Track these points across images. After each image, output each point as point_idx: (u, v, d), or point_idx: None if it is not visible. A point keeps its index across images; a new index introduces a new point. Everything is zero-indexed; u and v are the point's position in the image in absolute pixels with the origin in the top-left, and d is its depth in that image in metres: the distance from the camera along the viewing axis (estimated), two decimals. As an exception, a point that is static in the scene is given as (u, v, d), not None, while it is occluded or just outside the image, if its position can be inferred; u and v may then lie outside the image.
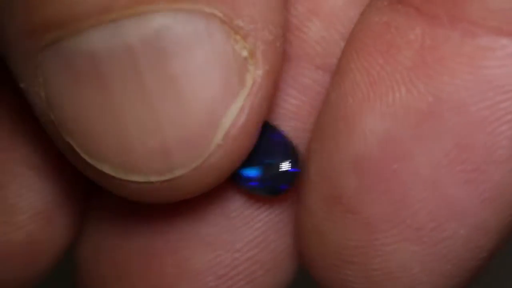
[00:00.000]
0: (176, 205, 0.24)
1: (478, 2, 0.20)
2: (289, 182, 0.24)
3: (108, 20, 0.20)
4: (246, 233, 0.25)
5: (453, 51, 0.20)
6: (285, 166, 0.23)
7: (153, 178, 0.21)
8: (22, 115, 0.26)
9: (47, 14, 0.20)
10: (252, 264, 0.25)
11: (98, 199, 0.27)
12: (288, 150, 0.24)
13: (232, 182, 0.24)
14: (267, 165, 0.23)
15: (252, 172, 0.23)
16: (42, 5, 0.20)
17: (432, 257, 0.21)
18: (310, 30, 0.24)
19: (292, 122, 0.24)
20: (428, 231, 0.21)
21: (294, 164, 0.23)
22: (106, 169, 0.21)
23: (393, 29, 0.21)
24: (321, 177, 0.22)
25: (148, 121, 0.21)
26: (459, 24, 0.20)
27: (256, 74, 0.21)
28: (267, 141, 0.23)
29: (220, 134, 0.21)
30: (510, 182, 0.21)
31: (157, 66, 0.20)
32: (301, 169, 0.23)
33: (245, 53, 0.21)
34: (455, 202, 0.21)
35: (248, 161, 0.23)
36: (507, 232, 0.22)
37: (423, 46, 0.21)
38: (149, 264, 0.24)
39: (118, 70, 0.20)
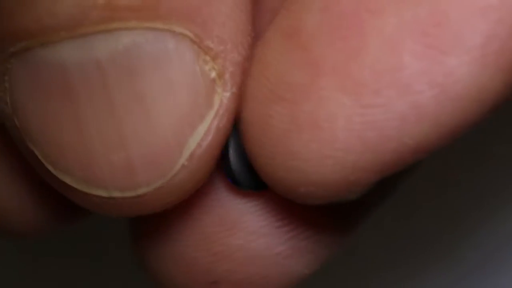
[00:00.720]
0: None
1: None
2: None
3: (79, 34, 0.20)
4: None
5: None
6: None
7: (115, 194, 0.21)
8: None
9: (18, 22, 0.20)
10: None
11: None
12: None
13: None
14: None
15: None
16: (13, 14, 0.20)
17: (359, 119, 0.20)
18: None
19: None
20: (366, 90, 0.20)
21: None
22: (69, 181, 0.21)
23: None
24: (286, 10, 0.21)
25: (113, 136, 0.21)
26: None
27: (223, 96, 0.21)
28: None
29: (185, 155, 0.21)
30: (463, 78, 0.20)
31: (125, 82, 0.20)
32: None
33: (213, 74, 0.21)
34: (403, 72, 0.20)
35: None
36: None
37: None
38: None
39: (86, 83, 0.20)
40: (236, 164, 0.23)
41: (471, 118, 0.20)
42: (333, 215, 0.25)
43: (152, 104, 0.21)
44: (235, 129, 0.23)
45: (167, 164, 0.21)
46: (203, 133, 0.21)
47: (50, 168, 0.21)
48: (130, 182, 0.21)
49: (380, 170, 0.21)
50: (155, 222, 0.25)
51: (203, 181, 0.22)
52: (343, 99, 0.20)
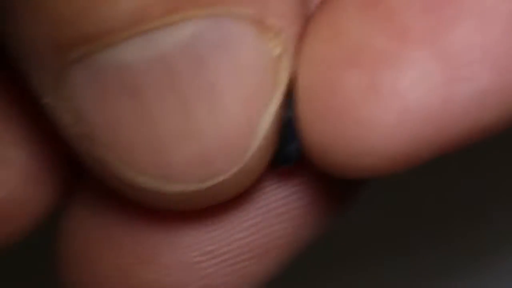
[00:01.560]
0: None
1: None
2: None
3: (140, 32, 0.19)
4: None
5: None
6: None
7: (193, 186, 0.21)
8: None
9: (76, 28, 0.19)
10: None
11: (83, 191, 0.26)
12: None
13: None
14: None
15: None
16: (71, 19, 0.19)
17: (444, 90, 0.20)
18: None
19: None
20: (457, 62, 0.20)
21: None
22: (144, 180, 0.21)
23: None
24: None
25: (186, 129, 0.20)
26: None
27: (290, 70, 0.21)
28: None
29: (259, 136, 0.21)
30: None
31: (193, 74, 0.20)
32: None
33: (278, 51, 0.21)
34: (496, 49, 0.20)
35: None
36: None
37: None
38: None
39: (154, 80, 0.20)
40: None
41: None
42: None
43: (222, 91, 0.20)
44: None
45: (243, 148, 0.21)
46: (273, 113, 0.21)
47: (121, 171, 0.21)
48: (208, 172, 0.21)
49: (448, 146, 0.21)
50: (75, 247, 0.25)
51: (271, 156, 0.22)
52: (431, 68, 0.20)
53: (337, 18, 0.21)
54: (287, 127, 0.22)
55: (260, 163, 0.22)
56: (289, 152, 0.22)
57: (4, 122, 0.25)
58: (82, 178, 0.26)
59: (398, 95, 0.20)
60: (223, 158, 0.21)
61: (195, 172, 0.21)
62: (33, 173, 0.25)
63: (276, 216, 0.25)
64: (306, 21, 0.22)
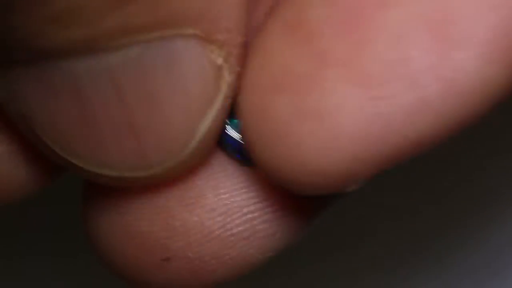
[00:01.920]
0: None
1: None
2: None
3: (90, 52, 0.20)
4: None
5: None
6: None
7: (126, 174, 0.22)
8: None
9: (27, 41, 0.20)
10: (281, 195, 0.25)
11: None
12: None
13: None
14: None
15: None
16: (25, 35, 0.20)
17: (366, 110, 0.20)
18: None
19: None
20: (375, 82, 0.20)
21: None
22: (77, 162, 0.22)
23: None
24: (288, 3, 0.22)
25: (124, 128, 0.22)
26: None
27: (230, 78, 0.22)
28: None
29: (197, 138, 0.22)
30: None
31: (136, 85, 0.21)
32: None
33: (220, 61, 0.22)
34: (411, 66, 0.20)
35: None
36: None
37: None
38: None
39: (98, 88, 0.21)
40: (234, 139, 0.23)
41: (474, 112, 0.20)
42: (298, 201, 0.25)
43: (163, 99, 0.21)
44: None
45: (179, 147, 0.22)
46: (212, 117, 0.22)
47: (58, 150, 0.22)
48: (142, 164, 0.22)
49: (383, 163, 0.21)
50: (109, 191, 0.25)
51: (209, 154, 0.23)
52: (350, 90, 0.20)
53: (267, 41, 0.22)
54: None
55: (195, 160, 0.23)
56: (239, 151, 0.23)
57: None
58: None
59: (323, 118, 0.21)
60: (158, 155, 0.22)
61: (128, 162, 0.22)
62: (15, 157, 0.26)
63: None
64: (251, 31, 0.22)
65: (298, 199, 0.25)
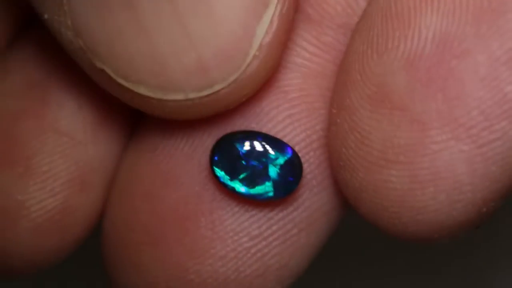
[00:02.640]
0: (206, 166, 0.24)
1: None
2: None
3: None
4: None
5: None
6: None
7: (192, 95, 0.22)
8: (53, 79, 0.27)
9: None
10: (286, 223, 0.24)
11: (127, 166, 0.27)
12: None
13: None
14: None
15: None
16: None
17: (480, 158, 0.21)
18: None
19: (317, 80, 0.24)
20: (479, 130, 0.21)
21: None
22: (143, 90, 0.22)
23: None
24: (365, 76, 0.22)
25: (181, 38, 0.21)
26: None
27: None
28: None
29: (255, 45, 0.21)
30: None
31: None
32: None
33: None
34: (509, 101, 0.20)
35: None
36: None
37: None
38: (184, 227, 0.24)
39: None
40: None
41: None
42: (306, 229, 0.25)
43: (215, 1, 0.21)
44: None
45: (239, 56, 0.22)
46: (269, 21, 0.21)
47: (122, 82, 0.22)
48: (206, 80, 0.22)
49: (505, 195, 0.22)
50: (124, 249, 0.25)
51: (274, 70, 0.23)
52: (459, 146, 0.21)
53: (356, 119, 0.22)
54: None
55: (257, 74, 0.22)
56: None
57: (49, 134, 0.27)
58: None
59: (441, 179, 0.21)
60: (220, 67, 0.21)
61: (192, 81, 0.21)
62: (82, 180, 0.26)
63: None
64: None
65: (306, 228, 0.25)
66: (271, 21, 0.22)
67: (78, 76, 0.26)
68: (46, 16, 0.22)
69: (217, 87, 0.22)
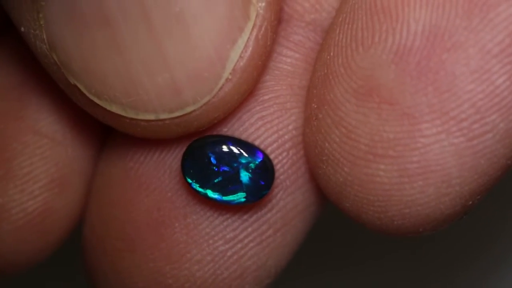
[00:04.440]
0: (177, 171, 0.24)
1: None
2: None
3: None
4: None
5: None
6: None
7: (163, 116, 0.22)
8: (32, 81, 0.27)
9: None
10: (261, 224, 0.25)
11: (102, 173, 0.27)
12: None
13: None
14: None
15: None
16: None
17: (470, 151, 0.21)
18: None
19: (289, 79, 0.24)
20: (470, 123, 0.21)
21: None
22: (116, 109, 0.22)
23: None
24: (350, 70, 0.22)
25: (156, 59, 0.21)
26: None
27: (259, 6, 0.22)
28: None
29: (228, 68, 0.22)
30: None
31: (163, 4, 0.20)
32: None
33: None
34: (500, 94, 0.20)
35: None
36: None
37: None
38: (159, 233, 0.25)
39: (124, 10, 0.20)
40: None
41: None
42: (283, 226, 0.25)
43: (191, 22, 0.21)
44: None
45: (212, 79, 0.22)
46: (243, 45, 0.22)
47: (94, 99, 0.22)
48: (177, 101, 0.22)
49: (490, 188, 0.22)
50: (103, 255, 0.26)
51: (246, 94, 0.23)
52: (449, 139, 0.21)
53: (341, 113, 0.22)
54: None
55: (230, 98, 0.22)
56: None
57: (30, 136, 0.27)
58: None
59: (430, 172, 0.21)
60: (192, 89, 0.22)
61: (164, 101, 0.22)
62: (62, 182, 0.27)
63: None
64: None
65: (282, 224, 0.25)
66: (246, 46, 0.22)
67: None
68: (22, 29, 0.22)
69: (188, 109, 0.22)
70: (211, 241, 0.24)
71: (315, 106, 0.23)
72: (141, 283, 0.25)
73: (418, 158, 0.21)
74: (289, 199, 0.25)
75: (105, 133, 0.28)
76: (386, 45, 0.21)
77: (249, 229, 0.25)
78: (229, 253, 0.24)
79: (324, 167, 0.23)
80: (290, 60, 0.24)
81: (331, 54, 0.23)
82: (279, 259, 0.25)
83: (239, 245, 0.25)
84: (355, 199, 0.22)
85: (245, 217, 0.25)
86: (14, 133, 0.27)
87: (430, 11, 0.21)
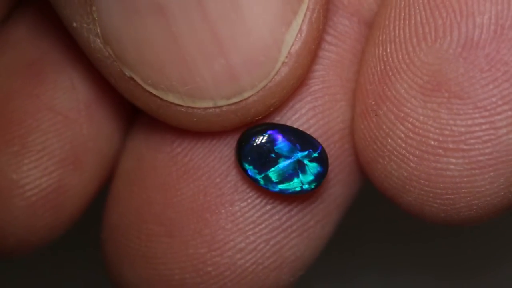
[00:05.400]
0: (229, 156, 0.24)
1: None
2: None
3: None
4: None
5: None
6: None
7: (221, 103, 0.22)
8: (47, 59, 0.26)
9: None
10: (305, 215, 0.25)
11: (133, 157, 0.26)
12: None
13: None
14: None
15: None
16: None
17: None
18: None
19: (337, 70, 0.24)
20: None
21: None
22: (172, 98, 0.21)
23: None
24: (413, 65, 0.22)
25: (211, 45, 0.21)
26: None
27: None
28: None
29: (284, 52, 0.21)
30: None
31: None
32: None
33: None
34: None
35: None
36: None
37: None
38: (204, 218, 0.24)
39: (180, 3, 0.20)
40: None
41: None
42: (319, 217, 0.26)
43: (245, 6, 0.21)
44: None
45: (268, 63, 0.21)
46: (298, 28, 0.22)
47: (151, 89, 0.21)
48: (235, 87, 0.21)
49: None
50: (133, 241, 0.25)
51: (303, 78, 0.23)
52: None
53: (407, 109, 0.22)
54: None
55: (286, 82, 0.22)
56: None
57: (45, 112, 0.26)
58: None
59: (504, 162, 0.22)
60: (249, 74, 0.21)
61: (221, 88, 0.21)
62: (76, 160, 0.26)
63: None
64: None
65: (318, 215, 0.25)
66: (300, 29, 0.22)
67: (72, 56, 0.26)
68: (74, 24, 0.21)
69: (246, 94, 0.22)
70: (256, 229, 0.24)
71: (373, 103, 0.23)
72: (177, 270, 0.25)
73: (490, 150, 0.21)
74: (331, 191, 0.25)
75: (125, 114, 0.27)
76: (452, 40, 0.21)
77: (293, 219, 0.25)
78: (272, 242, 0.25)
79: (385, 162, 0.23)
80: (338, 50, 0.25)
81: (388, 50, 0.23)
82: (315, 250, 0.26)
83: (282, 234, 0.25)
84: (420, 193, 0.23)
85: (290, 206, 0.25)
86: (29, 109, 0.26)
87: (495, 3, 0.21)
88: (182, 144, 0.25)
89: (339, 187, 0.25)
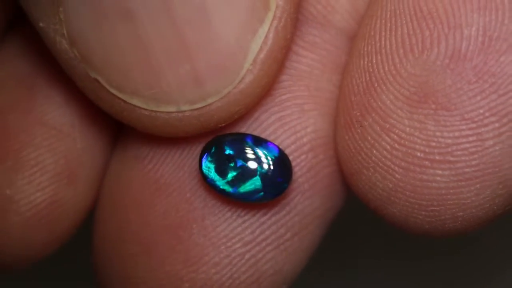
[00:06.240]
0: (196, 172, 0.24)
1: None
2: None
3: None
4: None
5: None
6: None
7: (184, 107, 0.22)
8: (41, 73, 0.26)
9: None
10: (279, 227, 0.24)
11: (116, 175, 0.26)
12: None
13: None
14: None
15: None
16: None
17: None
18: None
19: (306, 81, 0.24)
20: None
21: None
22: (136, 101, 0.21)
23: None
24: (399, 77, 0.22)
25: (178, 49, 0.21)
26: None
27: None
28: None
29: (249, 59, 0.21)
30: None
31: None
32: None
33: None
34: None
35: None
36: None
37: None
38: (177, 235, 0.24)
39: (145, 1, 0.20)
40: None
41: None
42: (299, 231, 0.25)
43: (212, 12, 0.21)
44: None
45: (233, 69, 0.21)
46: (264, 36, 0.21)
47: (115, 92, 0.21)
48: (199, 92, 0.21)
49: None
50: (116, 260, 0.25)
51: (268, 87, 0.23)
52: (508, 141, 0.21)
53: (393, 120, 0.22)
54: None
55: (251, 90, 0.22)
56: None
57: (38, 127, 0.26)
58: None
59: (491, 174, 0.21)
60: (214, 79, 0.21)
61: (186, 92, 0.21)
62: (70, 174, 0.26)
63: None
64: None
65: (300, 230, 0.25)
66: (266, 37, 0.21)
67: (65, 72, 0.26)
68: (41, 24, 0.21)
69: (210, 100, 0.22)
70: (229, 244, 0.24)
71: (358, 114, 0.23)
72: None
73: (477, 162, 0.21)
74: (307, 203, 0.25)
75: (116, 128, 0.27)
76: (440, 51, 0.21)
77: (267, 232, 0.24)
78: (247, 256, 0.24)
79: (370, 173, 0.23)
80: (306, 61, 0.24)
81: (373, 61, 0.22)
82: (296, 264, 0.25)
83: (257, 248, 0.24)
84: (405, 204, 0.22)
85: (263, 219, 0.24)
86: (22, 124, 0.26)
87: (482, 15, 0.21)
88: (152, 160, 0.25)
89: (316, 198, 0.25)
